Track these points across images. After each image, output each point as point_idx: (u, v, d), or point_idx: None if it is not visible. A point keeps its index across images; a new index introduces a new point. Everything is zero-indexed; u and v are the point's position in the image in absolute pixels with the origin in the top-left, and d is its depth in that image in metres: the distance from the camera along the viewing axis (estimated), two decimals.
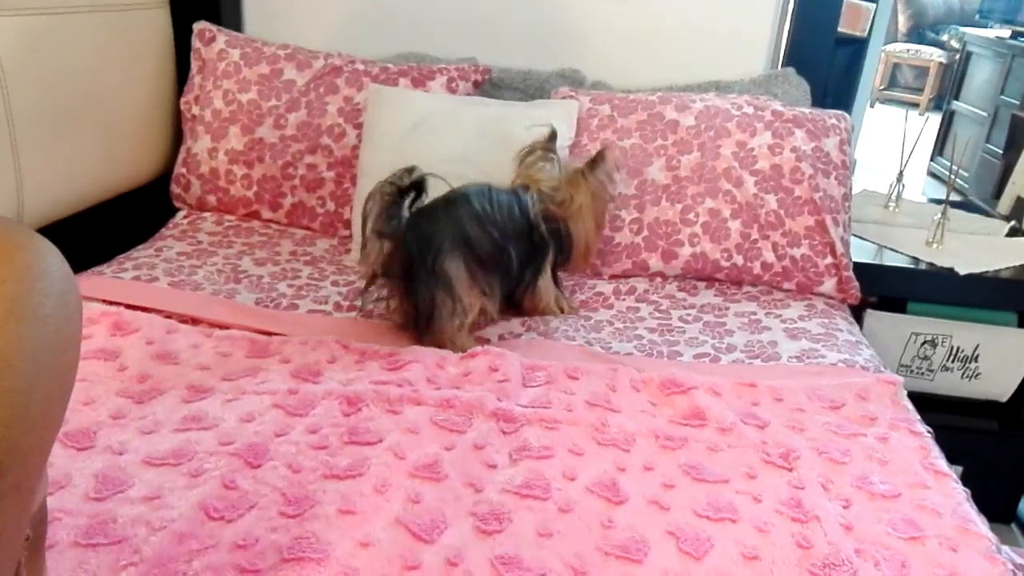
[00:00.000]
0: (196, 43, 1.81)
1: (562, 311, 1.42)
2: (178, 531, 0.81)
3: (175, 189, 1.78)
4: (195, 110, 1.78)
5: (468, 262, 1.23)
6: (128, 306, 1.29)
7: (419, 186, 1.24)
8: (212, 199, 1.75)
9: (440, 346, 1.23)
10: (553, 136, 1.43)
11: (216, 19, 1.86)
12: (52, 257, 0.48)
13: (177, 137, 1.84)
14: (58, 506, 0.83)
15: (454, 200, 1.27)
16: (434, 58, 1.87)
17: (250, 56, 1.76)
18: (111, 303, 1.29)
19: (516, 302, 1.38)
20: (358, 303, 1.30)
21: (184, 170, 1.77)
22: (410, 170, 1.24)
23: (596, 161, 1.38)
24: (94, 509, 0.84)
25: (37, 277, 0.46)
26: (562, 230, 1.38)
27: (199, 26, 1.81)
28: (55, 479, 0.88)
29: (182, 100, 1.80)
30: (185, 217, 1.75)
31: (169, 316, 1.28)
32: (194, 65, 1.81)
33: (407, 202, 1.24)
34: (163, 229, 1.70)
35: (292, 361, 1.16)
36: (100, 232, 1.67)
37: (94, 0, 1.58)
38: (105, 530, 0.80)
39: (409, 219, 1.23)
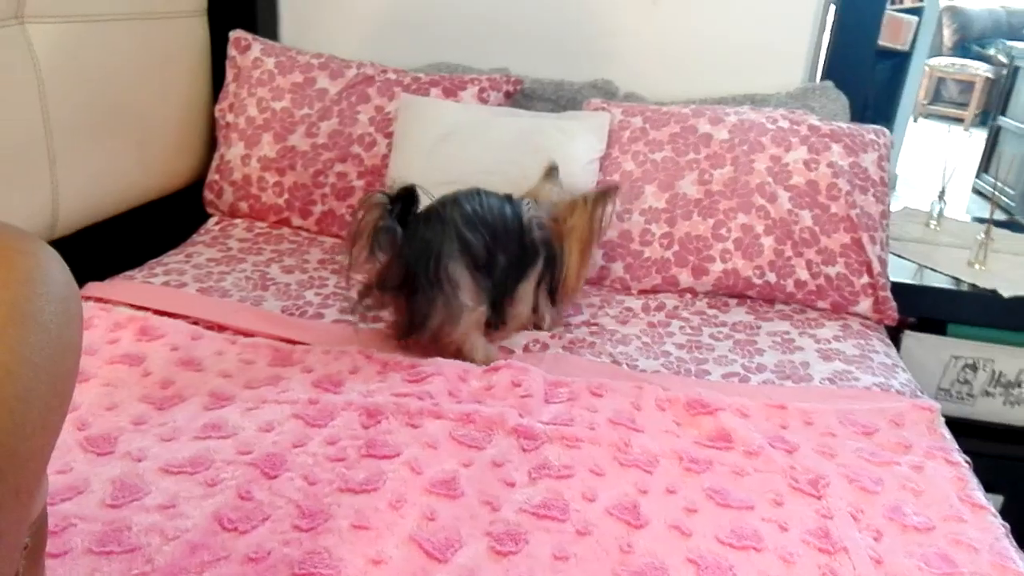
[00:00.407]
0: (232, 51, 1.82)
1: (537, 327, 1.38)
2: (191, 541, 0.80)
3: (208, 195, 1.79)
4: (229, 117, 1.79)
5: (469, 265, 1.21)
6: (156, 311, 1.30)
7: (410, 197, 1.20)
8: (244, 206, 1.76)
9: (449, 350, 1.22)
10: (553, 170, 1.43)
11: (253, 28, 1.88)
12: (53, 262, 0.47)
13: (211, 144, 1.85)
14: (75, 512, 0.84)
15: (445, 204, 1.25)
16: (467, 68, 1.86)
17: (284, 64, 1.77)
18: (139, 308, 1.30)
19: (498, 308, 1.32)
20: (354, 320, 1.27)
21: (217, 176, 1.78)
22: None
23: (600, 195, 1.36)
24: (110, 516, 0.83)
25: (38, 282, 0.45)
26: (555, 248, 1.35)
27: (235, 34, 1.83)
28: (74, 484, 0.88)
29: (217, 107, 1.82)
30: (217, 223, 1.76)
31: (196, 322, 1.29)
32: (229, 73, 1.82)
33: (397, 213, 1.20)
34: (195, 235, 1.71)
35: (314, 370, 1.16)
36: (134, 237, 1.69)
37: (133, 8, 1.61)
38: (119, 538, 0.80)
39: (404, 229, 1.20)
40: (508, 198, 1.33)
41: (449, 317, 1.21)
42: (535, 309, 1.37)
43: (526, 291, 1.34)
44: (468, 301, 1.21)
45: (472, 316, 1.23)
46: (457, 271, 1.20)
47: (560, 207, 1.36)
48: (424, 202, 1.23)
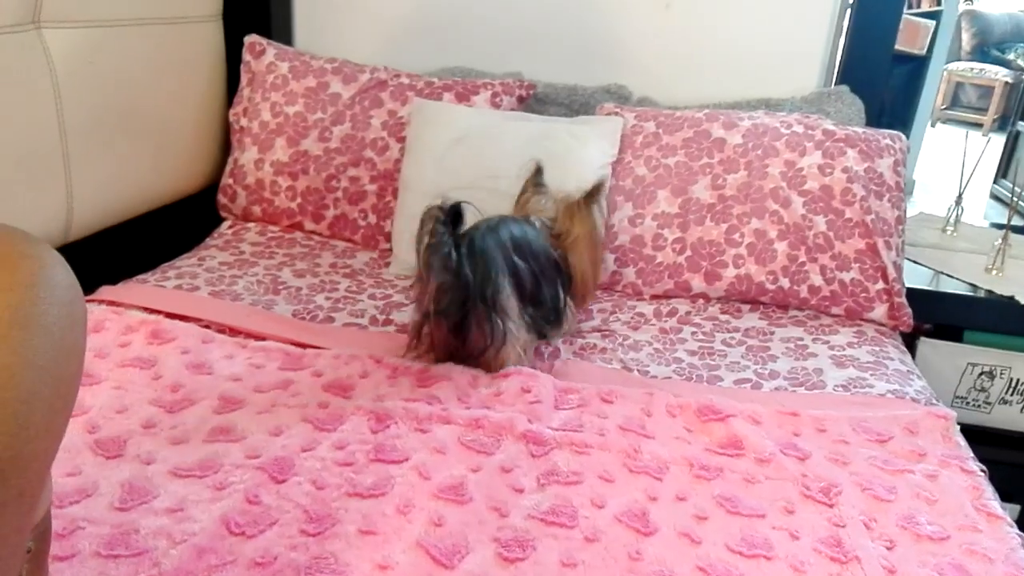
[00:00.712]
0: (246, 56, 1.83)
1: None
2: (198, 545, 0.80)
3: (222, 199, 1.80)
4: (243, 122, 1.80)
5: (515, 293, 1.18)
6: (168, 315, 1.30)
7: (458, 215, 1.16)
8: (257, 210, 1.77)
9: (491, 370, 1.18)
10: (539, 171, 1.38)
11: (267, 33, 1.89)
12: (57, 266, 0.47)
13: (225, 148, 1.86)
14: (83, 514, 0.84)
15: (497, 228, 1.21)
16: (480, 72, 1.86)
17: (298, 69, 1.78)
18: (151, 311, 1.31)
19: (548, 331, 1.30)
20: (407, 356, 1.22)
21: (231, 180, 1.79)
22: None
23: (592, 193, 1.33)
24: (118, 519, 0.84)
25: (42, 286, 0.45)
26: (566, 260, 1.33)
27: (250, 39, 1.84)
28: (82, 487, 0.88)
29: (231, 112, 1.83)
30: (230, 227, 1.77)
31: (207, 326, 1.29)
32: (244, 77, 1.83)
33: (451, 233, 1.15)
34: (208, 239, 1.72)
35: (324, 375, 1.16)
36: (147, 240, 1.70)
37: (149, 13, 1.62)
38: (127, 541, 0.80)
39: (459, 250, 1.14)
40: (530, 223, 1.30)
41: (497, 344, 1.17)
42: None
43: (569, 307, 1.33)
44: (513, 328, 1.17)
45: (518, 344, 1.19)
46: (504, 297, 1.16)
47: (560, 221, 1.33)
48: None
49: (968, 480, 1.01)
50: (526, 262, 1.21)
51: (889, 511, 0.94)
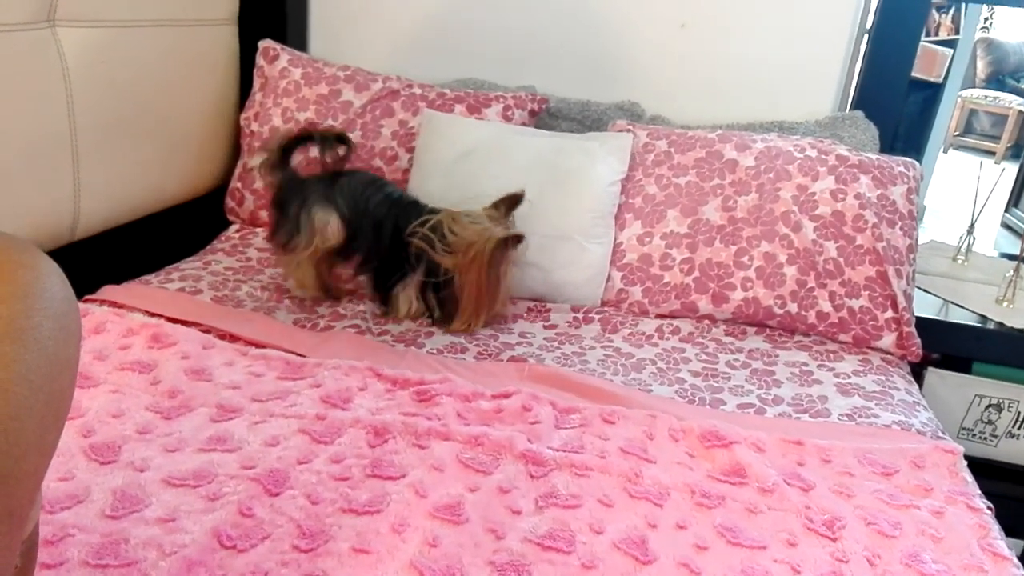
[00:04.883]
0: (260, 61, 1.83)
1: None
2: (188, 558, 0.79)
3: (230, 203, 1.80)
4: (254, 126, 1.80)
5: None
6: (169, 319, 1.29)
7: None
8: (264, 214, 1.76)
9: None
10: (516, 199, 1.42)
11: (282, 38, 1.89)
12: (54, 277, 0.46)
13: (235, 152, 1.86)
14: (74, 521, 0.83)
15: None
16: (493, 85, 1.85)
17: (311, 76, 1.77)
18: (153, 315, 1.30)
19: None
20: None
21: (239, 184, 1.78)
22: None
23: (499, 244, 1.34)
24: (108, 527, 0.82)
25: (37, 297, 0.44)
26: (438, 266, 1.36)
27: (264, 44, 1.83)
28: (74, 492, 0.87)
29: (242, 116, 1.83)
30: (237, 231, 1.76)
31: (208, 330, 1.28)
32: (256, 82, 1.83)
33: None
34: (215, 242, 1.71)
35: (323, 386, 1.14)
36: (154, 241, 1.70)
37: (164, 15, 1.62)
38: (116, 551, 0.79)
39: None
40: (407, 208, 1.42)
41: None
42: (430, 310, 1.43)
43: (405, 298, 1.42)
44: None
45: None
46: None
47: (460, 242, 1.34)
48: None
49: (975, 518, 0.99)
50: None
51: (893, 547, 0.92)
